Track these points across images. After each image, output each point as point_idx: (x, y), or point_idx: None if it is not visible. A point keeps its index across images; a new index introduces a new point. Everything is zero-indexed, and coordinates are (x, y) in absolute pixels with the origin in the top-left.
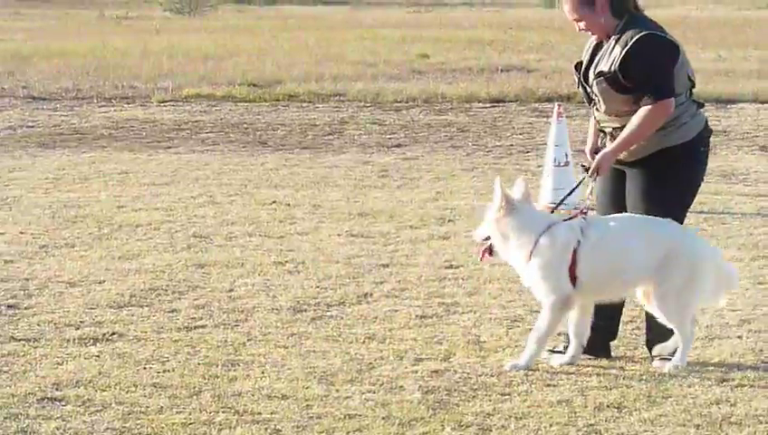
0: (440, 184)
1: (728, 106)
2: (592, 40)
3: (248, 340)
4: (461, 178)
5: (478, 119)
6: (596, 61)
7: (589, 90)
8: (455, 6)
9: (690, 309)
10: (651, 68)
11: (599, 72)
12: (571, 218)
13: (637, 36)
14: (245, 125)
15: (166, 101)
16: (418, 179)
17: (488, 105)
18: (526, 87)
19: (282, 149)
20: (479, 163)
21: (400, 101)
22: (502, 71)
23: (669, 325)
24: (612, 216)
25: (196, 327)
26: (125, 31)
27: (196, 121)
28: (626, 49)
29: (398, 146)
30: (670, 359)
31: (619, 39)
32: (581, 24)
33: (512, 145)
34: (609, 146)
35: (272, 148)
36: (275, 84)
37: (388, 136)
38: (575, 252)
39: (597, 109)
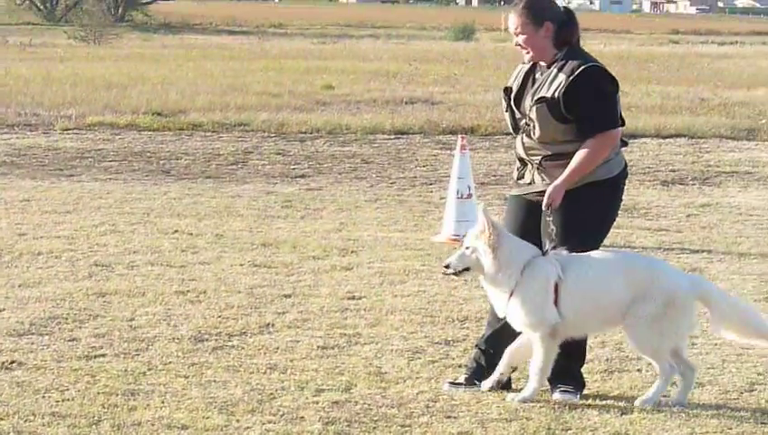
0: (343, 215)
1: (631, 141)
2: (523, 67)
3: (149, 369)
4: (364, 209)
5: (382, 150)
6: (534, 87)
7: (519, 115)
8: (360, 38)
9: (665, 341)
10: (598, 98)
11: (540, 98)
12: (545, 253)
13: (583, 67)
14: (149, 154)
15: (69, 129)
16: (322, 210)
17: (392, 137)
18: (430, 119)
19: (185, 178)
20: (382, 195)
21: (305, 132)
22: (406, 103)
23: (645, 357)
24: (588, 253)
25: (96, 356)
26: (29, 58)
27: (99, 150)
28: (572, 77)
29: (302, 177)
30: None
31: (562, 67)
32: (521, 39)
33: (415, 177)
34: (559, 178)
35: (175, 177)
36: (179, 113)
37: (292, 166)
38: (557, 287)
39: (529, 135)
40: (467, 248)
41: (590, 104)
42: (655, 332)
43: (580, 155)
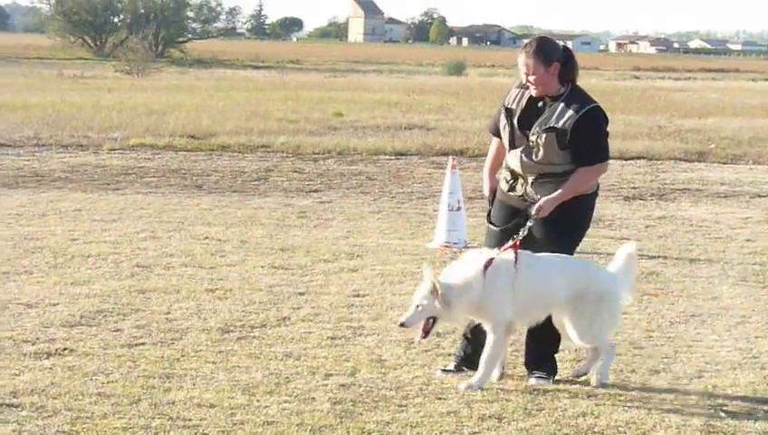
0: (350, 224)
1: None
2: (523, 92)
3: (182, 356)
4: (368, 219)
5: (384, 169)
6: (542, 116)
7: (519, 134)
8: (366, 73)
9: (604, 329)
10: (599, 135)
11: (550, 127)
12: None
13: (589, 107)
14: (184, 171)
15: (115, 149)
16: (332, 220)
17: (393, 158)
18: (426, 143)
19: (215, 192)
20: (384, 207)
21: (318, 153)
22: (405, 128)
23: (584, 345)
24: (538, 254)
25: (137, 344)
26: (81, 88)
27: (141, 167)
28: (580, 115)
29: (315, 191)
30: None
31: (569, 103)
32: (531, 78)
33: (412, 192)
34: (555, 194)
35: (206, 191)
36: (210, 136)
37: (307, 182)
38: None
39: (529, 156)
40: (418, 307)
41: (591, 139)
42: (595, 325)
43: (576, 178)
